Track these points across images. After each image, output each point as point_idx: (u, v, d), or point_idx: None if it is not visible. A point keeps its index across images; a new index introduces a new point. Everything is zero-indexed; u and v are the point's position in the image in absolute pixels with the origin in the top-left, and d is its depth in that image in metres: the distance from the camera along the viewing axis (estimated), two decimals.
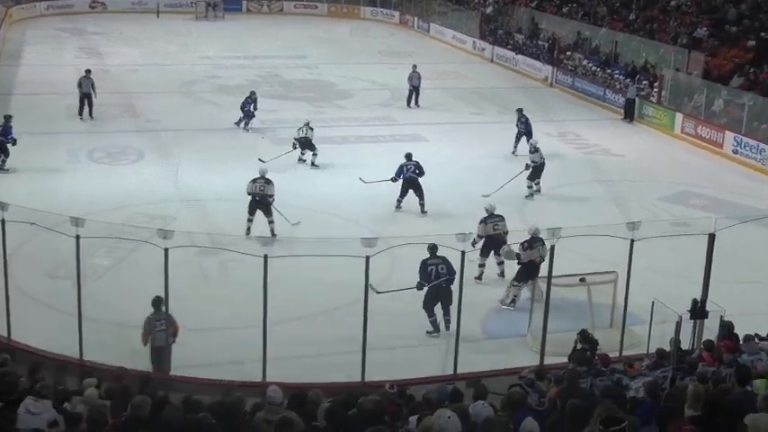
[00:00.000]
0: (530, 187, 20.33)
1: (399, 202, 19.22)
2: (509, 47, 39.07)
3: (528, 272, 14.67)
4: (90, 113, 26.34)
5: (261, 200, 17.51)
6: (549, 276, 12.57)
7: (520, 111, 24.44)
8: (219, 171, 21.88)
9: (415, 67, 30.29)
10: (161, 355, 12.18)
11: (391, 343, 13.28)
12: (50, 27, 44.13)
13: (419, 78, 30.06)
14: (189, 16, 49.67)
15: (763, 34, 28.89)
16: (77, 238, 11.68)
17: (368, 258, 11.34)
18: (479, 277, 15.69)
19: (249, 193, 17.62)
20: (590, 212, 19.19)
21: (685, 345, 11.71)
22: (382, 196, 20.30)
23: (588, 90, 32.37)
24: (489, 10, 43.86)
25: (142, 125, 25.06)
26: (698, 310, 11.79)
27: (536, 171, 20.47)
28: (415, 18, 48.36)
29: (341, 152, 24.04)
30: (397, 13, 50.47)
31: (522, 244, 14.76)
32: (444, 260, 13.55)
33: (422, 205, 19.06)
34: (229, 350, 13.13)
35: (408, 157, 19.30)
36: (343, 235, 16.74)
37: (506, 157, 23.59)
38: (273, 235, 17.26)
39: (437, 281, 13.57)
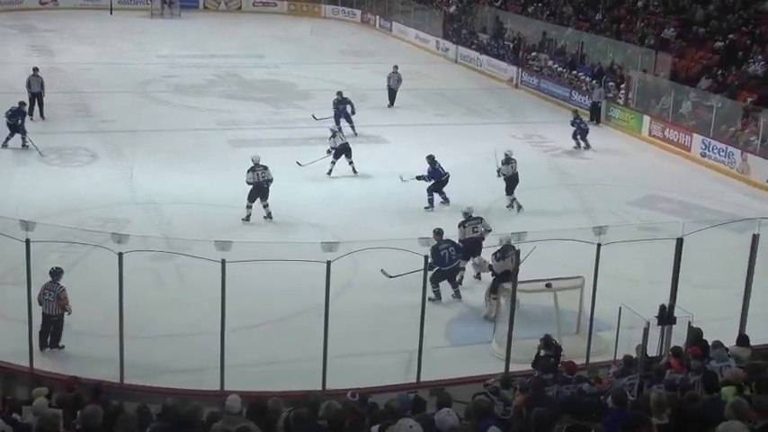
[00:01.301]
0: (512, 200, 20.01)
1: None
2: (473, 47, 39.24)
3: (503, 282, 14.70)
4: (41, 113, 26.08)
5: (265, 186, 18.64)
6: (515, 282, 12.65)
7: (575, 112, 26.40)
8: (175, 173, 21.78)
9: (396, 68, 30.43)
10: (47, 323, 12.91)
11: (353, 350, 13.27)
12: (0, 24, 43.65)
13: (398, 80, 30.15)
14: (144, 13, 49.37)
15: (731, 36, 29.30)
16: (27, 242, 11.54)
17: (329, 263, 11.33)
18: (459, 281, 15.70)
19: (251, 182, 18.61)
20: (556, 216, 19.33)
21: (653, 351, 11.82)
22: (345, 199, 20.36)
23: (554, 91, 32.62)
24: (453, 9, 44.06)
25: (95, 126, 24.85)
26: (666, 316, 11.91)
27: (508, 184, 20.11)
28: (377, 17, 48.44)
29: (301, 154, 23.97)
30: (358, 12, 50.53)
31: (494, 254, 14.81)
32: (452, 242, 15.17)
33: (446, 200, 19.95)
34: (186, 358, 13.08)
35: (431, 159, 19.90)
36: (305, 239, 16.78)
37: (470, 160, 23.61)
38: (270, 218, 18.75)
39: (451, 264, 14.94)
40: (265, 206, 18.81)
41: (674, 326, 12.04)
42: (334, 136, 22.19)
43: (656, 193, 22.04)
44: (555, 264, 14.66)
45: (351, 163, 22.10)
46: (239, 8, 52.67)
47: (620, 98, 29.58)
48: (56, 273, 13.16)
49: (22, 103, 23.63)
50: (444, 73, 36.96)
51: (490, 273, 14.98)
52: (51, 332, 13.10)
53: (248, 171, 18.76)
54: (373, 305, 14.83)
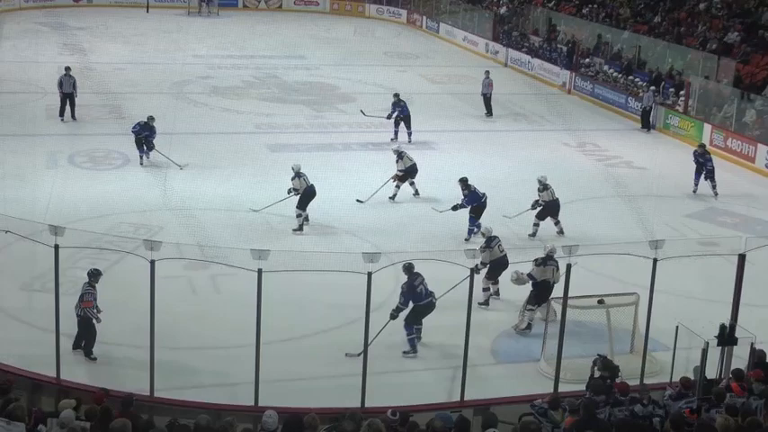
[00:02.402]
0: (536, 225, 19.08)
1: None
2: (524, 50, 39.16)
3: (541, 293, 14.64)
4: (72, 114, 26.41)
5: (314, 192, 18.89)
6: (565, 297, 12.55)
7: (702, 146, 23.27)
8: (211, 178, 21.94)
9: (487, 73, 30.46)
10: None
11: (394, 366, 13.26)
12: (30, 21, 44.23)
13: (489, 86, 29.96)
14: (181, 11, 49.88)
15: None
16: (56, 247, 11.66)
17: (370, 275, 11.34)
18: (486, 302, 15.61)
19: (299, 189, 18.80)
20: (610, 229, 19.19)
21: (712, 374, 11.68)
22: (386, 208, 20.36)
23: (609, 98, 32.41)
24: (504, 10, 43.99)
25: (128, 128, 25.02)
26: (726, 337, 11.77)
27: (548, 210, 19.14)
28: (424, 17, 48.50)
29: (342, 160, 24.07)
30: (404, 12, 50.63)
31: (535, 260, 14.75)
32: (422, 277, 13.74)
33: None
34: (219, 371, 13.12)
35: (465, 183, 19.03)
36: (344, 249, 16.83)
37: (522, 169, 23.55)
38: (307, 221, 18.94)
39: (427, 299, 13.79)
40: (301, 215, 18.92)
41: (734, 347, 11.90)
42: (401, 158, 21.08)
43: (716, 206, 21.81)
44: (608, 279, 14.59)
45: (412, 184, 21.31)
46: (279, 6, 53.00)
47: (679, 105, 29.34)
48: (92, 274, 13.32)
49: (150, 118, 23.11)
50: (493, 77, 36.87)
51: (530, 282, 14.86)
52: (80, 334, 13.24)
53: (293, 178, 18.90)
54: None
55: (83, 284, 13.25)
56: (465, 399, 12.24)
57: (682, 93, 29.58)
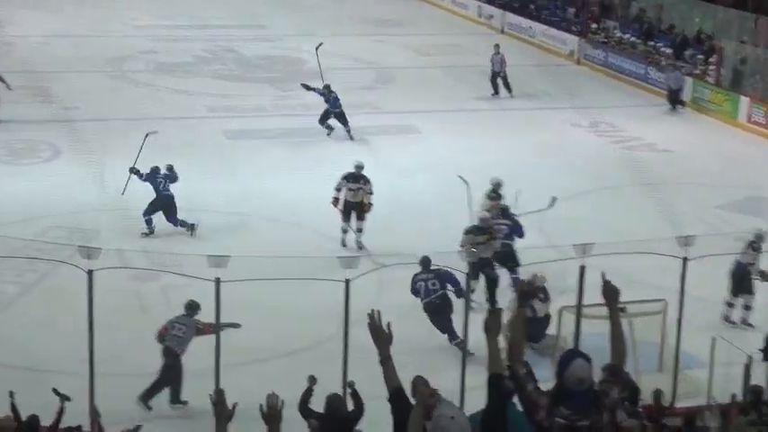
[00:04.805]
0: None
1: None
2: (524, 13, 39.20)
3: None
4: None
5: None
6: (579, 305, 12.55)
7: None
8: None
9: (497, 47, 30.14)
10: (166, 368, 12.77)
11: (379, 391, 13.23)
12: None
13: (501, 62, 29.75)
14: None
15: None
16: None
17: (347, 282, 11.35)
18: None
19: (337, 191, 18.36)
20: (630, 224, 19.24)
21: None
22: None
23: (625, 68, 32.53)
24: None
25: (57, 113, 24.99)
26: None
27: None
28: None
29: (311, 147, 24.04)
30: None
31: (537, 297, 14.63)
32: (438, 274, 14.54)
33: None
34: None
35: None
36: (317, 251, 16.81)
37: (523, 155, 23.58)
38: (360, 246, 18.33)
39: (428, 298, 14.47)
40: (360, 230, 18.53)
41: None
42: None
43: (756, 194, 21.89)
44: (630, 283, 14.49)
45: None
46: None
47: (709, 75, 29.44)
48: (191, 306, 13.14)
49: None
50: (487, 46, 36.82)
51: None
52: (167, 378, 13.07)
53: (344, 179, 18.44)
54: (405, 337, 14.78)
55: (178, 317, 13.10)
56: None
57: (712, 60, 29.66)
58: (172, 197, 18.76)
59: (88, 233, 18.07)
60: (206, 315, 11.63)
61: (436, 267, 14.58)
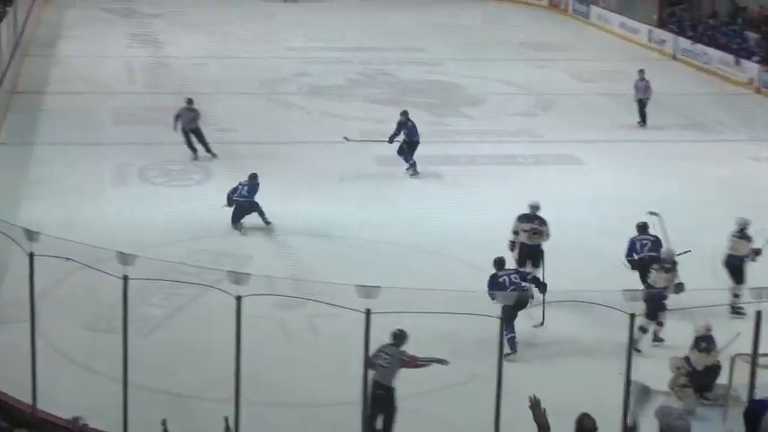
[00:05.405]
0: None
1: None
2: (699, 38, 38.55)
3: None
4: (208, 149, 24.91)
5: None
6: (755, 353, 12.16)
7: None
8: (309, 198, 22.24)
9: (642, 73, 29.34)
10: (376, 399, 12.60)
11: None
12: (95, 6, 45.55)
13: (646, 89, 29.04)
14: None
15: None
16: (125, 279, 11.94)
17: (502, 319, 11.30)
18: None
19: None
20: None
21: None
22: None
23: None
24: None
25: (210, 135, 25.47)
26: None
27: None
28: None
29: (467, 176, 24.07)
30: None
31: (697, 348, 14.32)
32: (516, 270, 16.17)
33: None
34: None
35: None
36: (466, 283, 16.76)
37: (694, 190, 23.11)
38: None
39: (512, 286, 15.43)
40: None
41: None
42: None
43: None
44: None
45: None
46: None
47: None
48: (398, 336, 13.02)
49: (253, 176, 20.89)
50: (658, 73, 36.34)
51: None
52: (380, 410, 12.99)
53: (516, 232, 17.76)
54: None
55: (384, 346, 12.97)
56: None
57: None
58: (246, 203, 20.15)
59: (237, 258, 18.44)
60: (355, 348, 11.66)
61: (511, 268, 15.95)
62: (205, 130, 24.69)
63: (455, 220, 20.73)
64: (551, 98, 31.34)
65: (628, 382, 11.37)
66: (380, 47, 39.40)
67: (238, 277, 11.72)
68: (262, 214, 20.20)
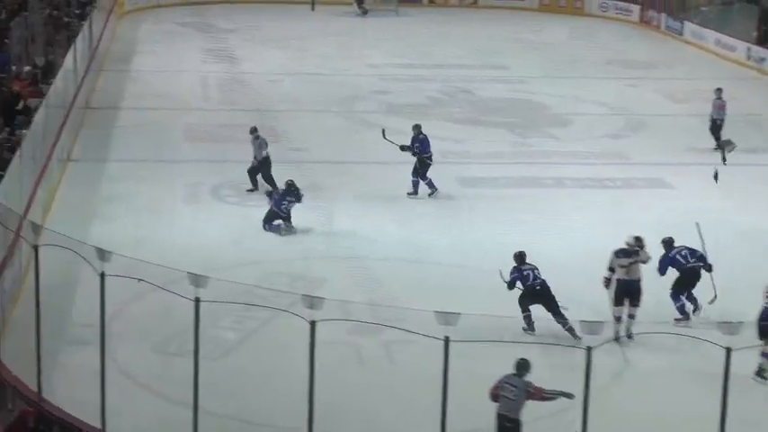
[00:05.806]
0: None
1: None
2: None
3: None
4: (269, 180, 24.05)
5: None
6: None
7: None
8: (388, 219, 22.32)
9: (719, 92, 28.80)
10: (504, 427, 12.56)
11: None
12: (170, 21, 46.16)
13: (721, 108, 28.50)
14: (350, 9, 50.54)
15: None
16: (197, 301, 12.05)
17: (589, 350, 11.23)
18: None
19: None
20: None
21: None
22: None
23: None
24: None
25: (285, 154, 25.61)
26: None
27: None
28: (663, 15, 47.83)
29: (552, 199, 23.94)
30: (636, 8, 50.03)
31: None
32: (536, 267, 17.04)
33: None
34: None
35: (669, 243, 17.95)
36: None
37: None
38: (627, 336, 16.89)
39: (536, 281, 16.82)
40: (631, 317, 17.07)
41: None
42: None
43: None
44: None
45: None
46: (474, 3, 53.30)
47: None
48: (522, 366, 12.74)
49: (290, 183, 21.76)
50: (756, 92, 36.05)
51: None
52: None
53: (612, 268, 17.15)
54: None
55: (508, 376, 12.81)
56: None
57: None
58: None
59: (312, 281, 18.51)
60: (434, 377, 11.61)
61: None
62: (278, 148, 24.70)
63: (539, 245, 20.53)
64: (642, 119, 31.07)
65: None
66: (462, 64, 39.45)
67: (313, 301, 11.77)
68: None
